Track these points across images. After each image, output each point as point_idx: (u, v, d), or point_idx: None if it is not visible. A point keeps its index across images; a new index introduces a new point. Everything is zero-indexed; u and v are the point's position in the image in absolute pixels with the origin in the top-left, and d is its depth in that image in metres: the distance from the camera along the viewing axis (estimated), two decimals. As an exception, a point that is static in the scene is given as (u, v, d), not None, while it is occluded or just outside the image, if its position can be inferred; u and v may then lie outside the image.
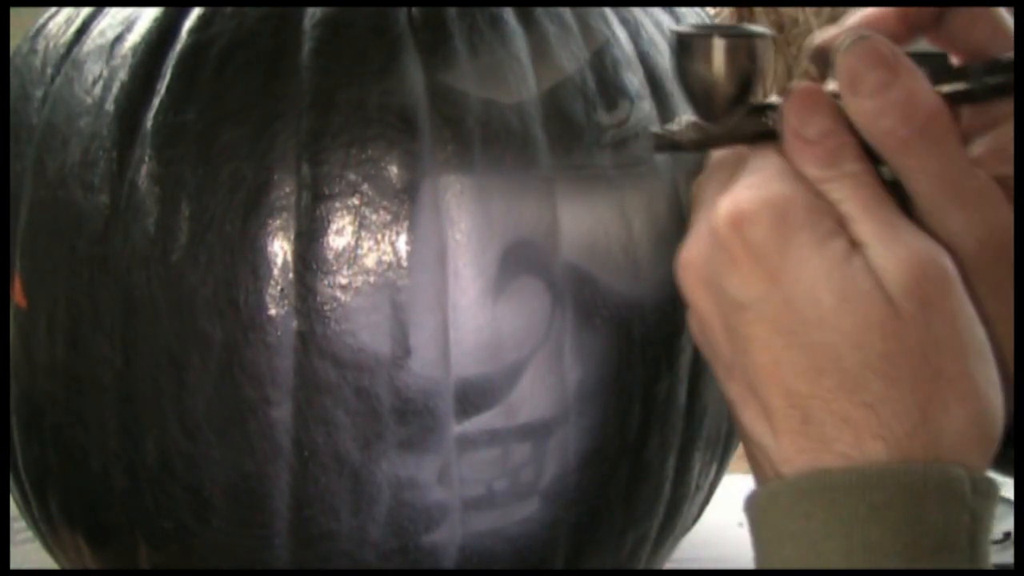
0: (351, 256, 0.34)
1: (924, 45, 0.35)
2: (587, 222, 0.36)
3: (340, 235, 0.34)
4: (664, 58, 0.40)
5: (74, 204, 0.36)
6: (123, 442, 0.37)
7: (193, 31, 0.36)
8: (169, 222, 0.35)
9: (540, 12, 0.38)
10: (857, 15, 0.33)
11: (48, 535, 0.43)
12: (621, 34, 0.39)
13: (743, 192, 0.31)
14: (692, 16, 0.44)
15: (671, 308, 0.39)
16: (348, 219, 0.34)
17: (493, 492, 0.37)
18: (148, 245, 0.35)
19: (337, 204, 0.34)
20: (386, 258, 0.34)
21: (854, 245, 0.30)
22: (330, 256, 0.34)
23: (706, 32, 0.32)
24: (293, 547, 0.37)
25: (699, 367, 0.41)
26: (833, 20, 0.98)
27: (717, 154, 0.34)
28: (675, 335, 0.39)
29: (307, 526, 0.37)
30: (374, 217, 0.34)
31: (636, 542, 0.43)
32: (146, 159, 0.35)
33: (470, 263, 0.35)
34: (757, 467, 0.32)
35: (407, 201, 0.34)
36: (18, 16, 0.55)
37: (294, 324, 0.34)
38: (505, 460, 0.37)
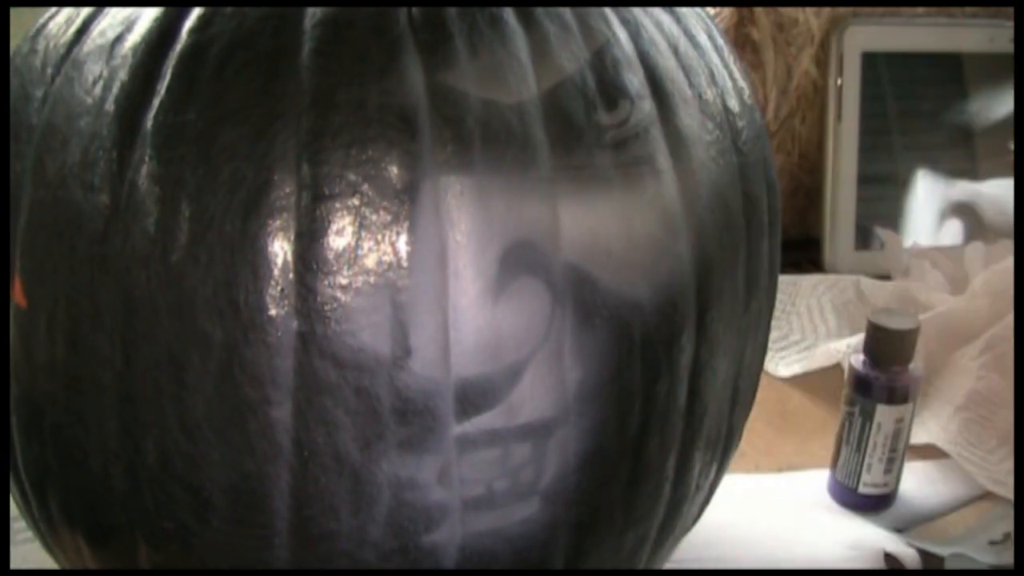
0: (351, 256, 0.34)
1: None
2: (587, 222, 0.36)
3: (340, 235, 0.34)
4: (664, 58, 0.40)
5: (74, 204, 0.36)
6: (123, 442, 0.37)
7: (193, 31, 0.36)
8: (169, 222, 0.35)
9: (540, 12, 0.38)
10: None
11: (48, 535, 0.43)
12: (621, 34, 0.39)
13: None
14: (692, 16, 0.44)
15: (671, 309, 0.39)
16: (348, 219, 0.34)
17: (493, 492, 0.37)
18: (148, 245, 0.35)
19: (337, 204, 0.34)
20: (386, 258, 0.34)
21: None
22: (330, 256, 0.34)
23: None
24: (293, 547, 0.37)
25: (699, 367, 0.41)
26: (833, 20, 0.98)
27: None
28: (675, 335, 0.39)
29: (307, 526, 0.37)
30: (374, 217, 0.34)
31: (636, 542, 0.43)
32: (146, 159, 0.35)
33: (470, 263, 0.35)
34: None
35: (407, 201, 0.34)
36: (18, 16, 0.55)
37: (294, 324, 0.34)
38: (505, 460, 0.37)
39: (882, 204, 0.98)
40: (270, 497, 0.36)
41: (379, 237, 0.34)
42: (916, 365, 0.62)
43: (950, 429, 0.68)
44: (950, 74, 1.00)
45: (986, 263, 0.92)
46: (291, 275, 0.34)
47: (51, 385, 0.38)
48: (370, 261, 0.34)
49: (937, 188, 1.00)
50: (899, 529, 0.62)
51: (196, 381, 0.35)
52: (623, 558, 0.43)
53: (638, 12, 0.41)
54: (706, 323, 0.41)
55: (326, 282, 0.34)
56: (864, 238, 0.97)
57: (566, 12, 0.39)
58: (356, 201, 0.34)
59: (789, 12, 0.95)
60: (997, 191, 1.01)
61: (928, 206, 1.00)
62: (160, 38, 0.37)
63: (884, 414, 0.61)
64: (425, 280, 0.34)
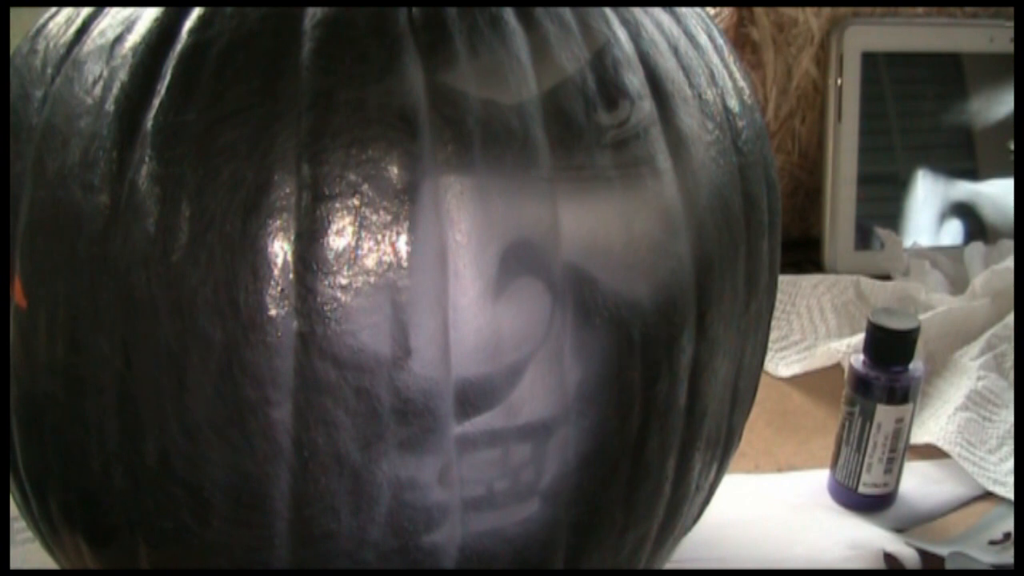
0: (351, 257, 0.34)
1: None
2: (587, 222, 0.36)
3: (340, 236, 0.34)
4: (664, 58, 0.40)
5: (74, 204, 0.36)
6: (123, 442, 0.37)
7: (193, 31, 0.36)
8: (169, 222, 0.35)
9: (540, 12, 0.38)
10: None
11: (48, 535, 0.43)
12: (621, 34, 0.39)
13: None
14: (692, 16, 0.44)
15: (671, 309, 0.39)
16: (348, 219, 0.34)
17: (493, 492, 0.37)
18: (148, 245, 0.35)
19: (337, 204, 0.34)
20: (386, 258, 0.34)
21: None
22: (330, 257, 0.34)
23: None
24: (293, 547, 0.37)
25: (699, 367, 0.41)
26: (833, 20, 0.98)
27: None
28: (675, 336, 0.39)
29: (307, 526, 0.37)
30: (374, 217, 0.34)
31: (636, 542, 0.43)
32: (146, 159, 0.35)
33: (470, 263, 0.35)
34: None
35: (407, 201, 0.34)
36: (18, 16, 0.56)
37: (294, 325, 0.34)
38: (505, 460, 0.37)
39: (882, 204, 0.98)
40: (270, 497, 0.36)
41: (379, 237, 0.34)
42: (916, 365, 0.62)
43: (950, 429, 0.68)
44: (950, 74, 1.00)
45: (986, 263, 0.92)
46: (291, 275, 0.34)
47: (51, 385, 0.38)
48: (370, 261, 0.34)
49: (937, 188, 1.00)
50: (899, 529, 0.62)
51: (196, 381, 0.35)
52: (623, 558, 0.43)
53: (638, 12, 0.41)
54: (706, 323, 0.41)
55: (326, 282, 0.34)
56: (864, 238, 0.97)
57: (566, 12, 0.39)
58: (356, 201, 0.34)
59: (789, 12, 0.95)
60: (997, 191, 1.01)
61: (928, 206, 1.00)
62: (160, 38, 0.37)
63: (884, 414, 0.61)
64: (425, 280, 0.34)
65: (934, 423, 0.70)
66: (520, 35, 0.37)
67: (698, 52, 0.42)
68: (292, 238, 0.34)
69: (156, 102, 0.35)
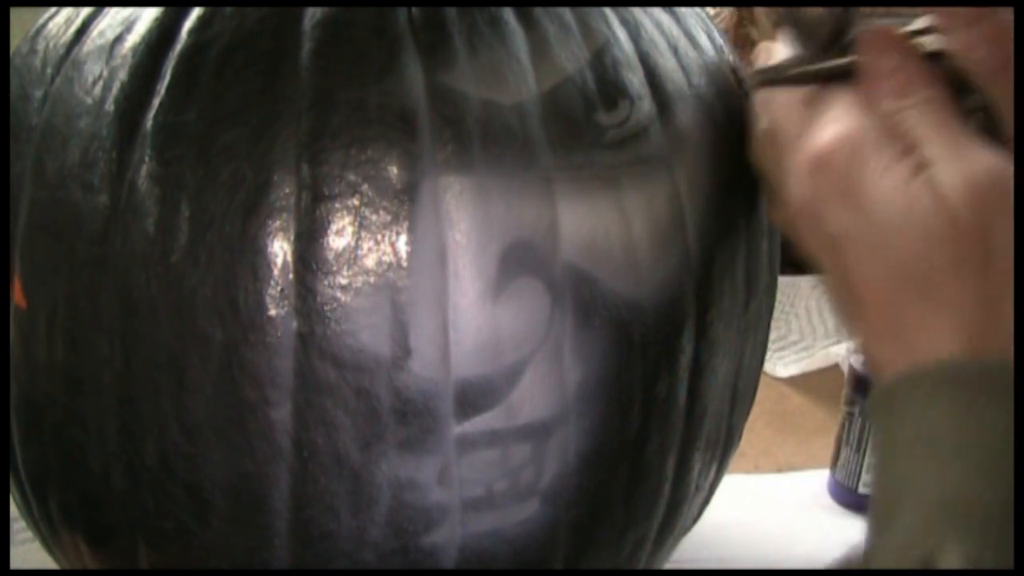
0: (351, 257, 0.34)
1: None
2: (587, 222, 0.36)
3: (340, 236, 0.34)
4: (664, 58, 0.40)
5: (74, 205, 0.36)
6: (123, 442, 0.37)
7: (193, 31, 0.36)
8: (169, 222, 0.35)
9: (540, 12, 0.38)
10: None
11: (48, 535, 0.43)
12: (621, 34, 0.39)
13: (821, 132, 0.35)
14: (692, 16, 0.44)
15: (671, 309, 0.39)
16: (348, 220, 0.34)
17: (493, 493, 0.37)
18: (148, 245, 0.35)
19: (337, 205, 0.34)
20: (386, 259, 0.34)
21: (922, 165, 0.32)
22: (330, 257, 0.34)
23: None
24: (293, 547, 0.37)
25: (699, 367, 0.41)
26: (833, 20, 0.98)
27: (782, 97, 0.37)
28: (675, 335, 0.39)
29: (307, 526, 0.37)
30: (374, 218, 0.34)
31: (636, 542, 0.43)
32: (146, 159, 0.35)
33: (470, 263, 0.35)
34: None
35: (407, 202, 0.34)
36: (18, 16, 0.55)
37: (294, 325, 0.34)
38: (505, 461, 0.37)
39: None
40: (270, 497, 0.36)
41: (379, 237, 0.34)
42: (916, 365, 0.61)
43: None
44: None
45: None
46: (291, 275, 0.34)
47: (51, 385, 0.38)
48: (370, 261, 0.34)
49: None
50: (899, 529, 0.62)
51: (196, 381, 0.35)
52: (623, 558, 0.43)
53: (638, 12, 0.41)
54: (706, 323, 0.41)
55: (326, 282, 0.34)
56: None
57: (566, 12, 0.39)
58: (356, 201, 0.34)
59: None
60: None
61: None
62: (160, 38, 0.37)
63: (884, 414, 0.61)
64: (425, 280, 0.34)
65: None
66: (520, 35, 0.37)
67: (698, 52, 0.42)
68: (292, 238, 0.34)
69: (156, 102, 0.35)
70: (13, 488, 0.44)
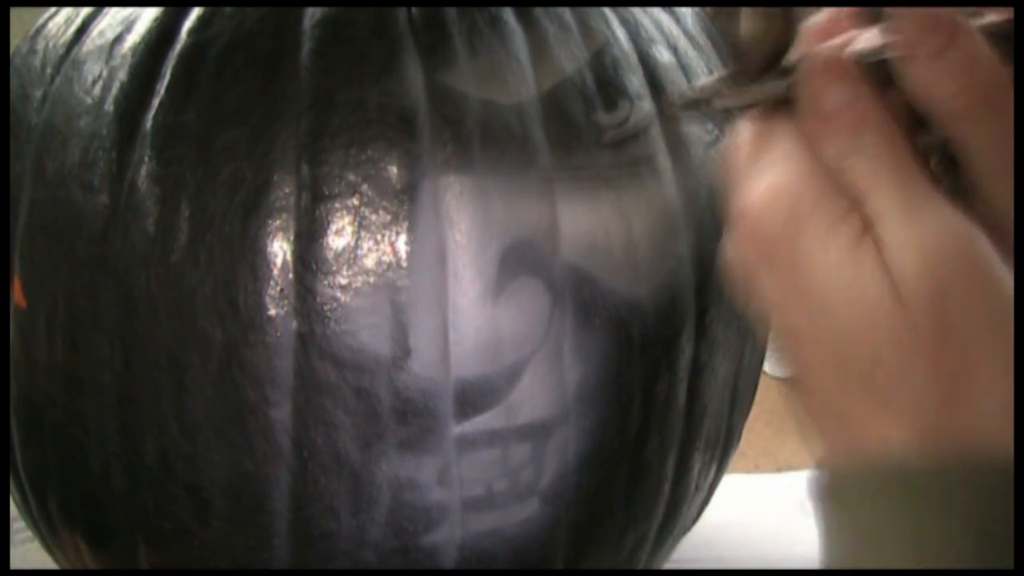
0: (351, 257, 0.34)
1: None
2: (587, 222, 0.36)
3: (340, 236, 0.34)
4: (664, 58, 0.40)
5: (74, 204, 0.36)
6: (123, 442, 0.37)
7: (193, 31, 0.36)
8: (169, 222, 0.35)
9: (540, 12, 0.38)
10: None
11: (48, 535, 0.43)
12: (621, 34, 0.39)
13: (755, 186, 0.30)
14: (692, 16, 0.44)
15: (671, 309, 0.39)
16: (348, 219, 0.34)
17: (493, 492, 0.37)
18: (148, 245, 0.35)
19: (337, 204, 0.34)
20: (386, 258, 0.34)
21: (869, 225, 0.28)
22: (330, 256, 0.34)
23: None
24: (293, 547, 0.37)
25: (699, 367, 0.41)
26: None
27: (743, 131, 0.32)
28: (675, 336, 0.39)
29: (307, 526, 0.37)
30: (374, 217, 0.34)
31: (636, 542, 0.43)
32: (146, 159, 0.35)
33: (470, 263, 0.35)
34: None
35: (407, 201, 0.34)
36: (18, 16, 0.55)
37: (294, 325, 0.34)
38: (505, 460, 0.37)
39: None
40: (270, 497, 0.36)
41: (379, 237, 0.34)
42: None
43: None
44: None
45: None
46: (291, 275, 0.34)
47: (51, 385, 0.38)
48: (370, 261, 0.34)
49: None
50: (899, 529, 0.62)
51: (196, 381, 0.35)
52: (623, 558, 0.43)
53: (637, 12, 0.41)
54: (706, 323, 0.41)
55: (325, 282, 0.34)
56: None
57: (566, 12, 0.39)
58: (356, 201, 0.34)
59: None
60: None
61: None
62: (160, 38, 0.37)
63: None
64: (425, 280, 0.34)
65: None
66: (520, 35, 0.37)
67: (698, 52, 0.42)
68: (292, 238, 0.34)
69: (156, 102, 0.35)
70: (13, 488, 0.44)
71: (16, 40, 0.44)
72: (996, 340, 0.27)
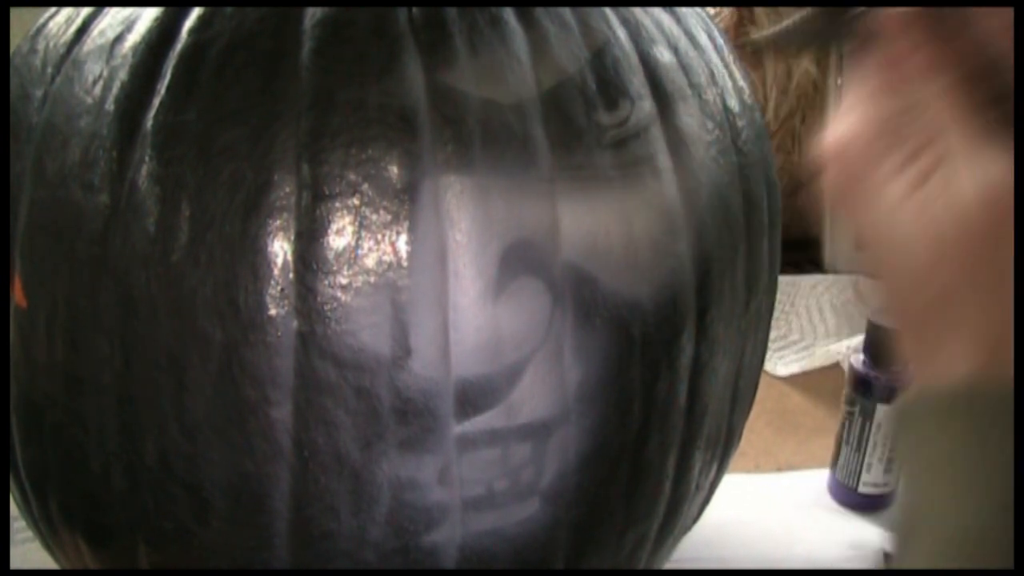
0: (351, 256, 0.34)
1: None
2: (587, 222, 0.36)
3: (340, 235, 0.34)
4: (664, 58, 0.40)
5: (74, 204, 0.36)
6: (123, 442, 0.37)
7: (193, 31, 0.36)
8: (169, 222, 0.35)
9: (540, 12, 0.38)
10: None
11: (48, 535, 0.43)
12: (621, 34, 0.39)
13: (842, 120, 0.32)
14: (692, 16, 0.44)
15: (671, 308, 0.39)
16: (348, 219, 0.34)
17: (493, 492, 0.37)
18: (148, 245, 0.35)
19: (337, 204, 0.34)
20: (386, 258, 0.34)
21: (938, 163, 0.30)
22: (330, 256, 0.34)
23: None
24: (293, 547, 0.37)
25: (699, 367, 0.41)
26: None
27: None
28: (675, 335, 0.39)
29: (307, 526, 0.37)
30: (374, 217, 0.34)
31: (636, 542, 0.43)
32: (146, 159, 0.35)
33: (470, 263, 0.35)
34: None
35: (407, 201, 0.34)
36: (18, 16, 0.55)
37: (294, 324, 0.34)
38: (505, 460, 0.37)
39: (882, 204, 0.98)
40: (270, 497, 0.36)
41: (379, 237, 0.34)
42: (916, 365, 0.61)
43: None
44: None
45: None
46: (291, 275, 0.34)
47: (51, 385, 0.38)
48: (370, 261, 0.34)
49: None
50: (899, 529, 0.62)
51: (196, 381, 0.35)
52: (623, 558, 0.43)
53: (638, 12, 0.41)
54: (706, 323, 0.41)
55: (326, 282, 0.34)
56: (864, 238, 0.96)
57: (566, 12, 0.39)
58: (356, 201, 0.34)
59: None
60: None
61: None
62: (160, 38, 0.37)
63: (884, 414, 0.61)
64: (425, 280, 0.34)
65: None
66: (520, 35, 0.37)
67: (698, 52, 0.42)
68: (292, 238, 0.34)
69: (156, 102, 0.35)
70: (13, 488, 0.44)
71: (16, 40, 0.44)
72: None
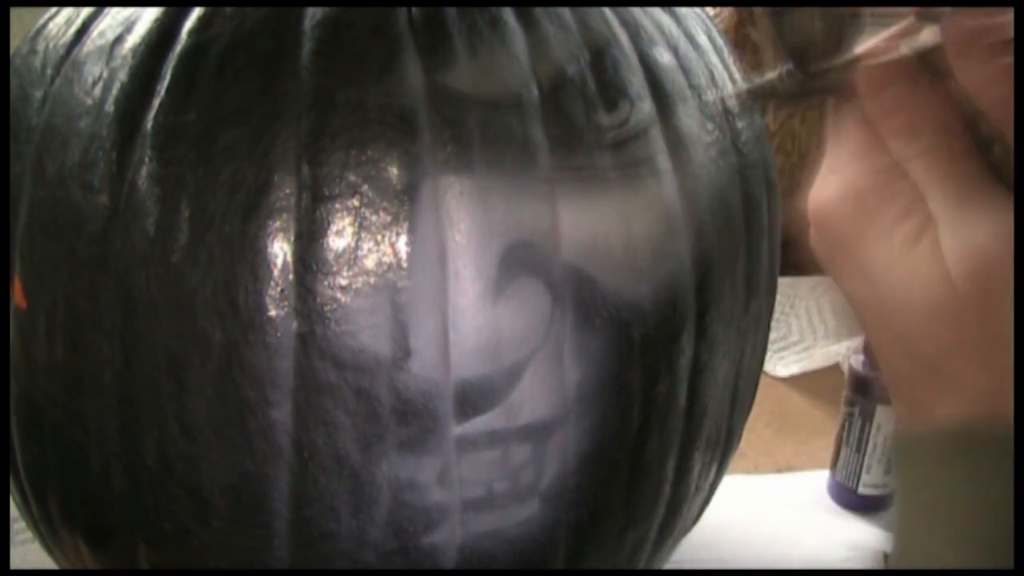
0: (351, 257, 0.34)
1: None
2: (587, 223, 0.36)
3: (340, 236, 0.34)
4: (664, 59, 0.40)
5: (74, 205, 0.36)
6: (123, 442, 0.37)
7: (193, 32, 0.36)
8: (169, 223, 0.35)
9: (540, 12, 0.38)
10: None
11: (48, 535, 0.43)
12: (621, 35, 0.39)
13: (824, 184, 0.32)
14: (692, 16, 0.44)
15: (671, 309, 0.39)
16: (348, 220, 0.34)
17: (493, 493, 0.37)
18: (148, 246, 0.35)
19: (337, 205, 0.34)
20: (386, 259, 0.34)
21: (926, 225, 0.30)
22: (330, 257, 0.34)
23: None
24: (293, 548, 0.37)
25: (699, 368, 0.41)
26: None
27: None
28: (675, 336, 0.39)
29: (307, 527, 0.37)
30: (374, 218, 0.34)
31: (636, 543, 0.43)
32: (146, 160, 0.35)
33: (470, 264, 0.35)
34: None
35: (407, 202, 0.34)
36: (18, 16, 0.55)
37: (294, 325, 0.34)
38: (505, 461, 0.37)
39: (882, 205, 0.98)
40: (270, 498, 0.36)
41: (379, 238, 0.34)
42: (916, 366, 0.61)
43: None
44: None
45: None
46: (291, 276, 0.34)
47: (51, 385, 0.38)
48: (370, 262, 0.34)
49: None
50: (899, 530, 0.62)
51: (196, 382, 0.35)
52: (623, 558, 0.43)
53: (638, 13, 0.41)
54: (706, 323, 0.41)
55: (326, 283, 0.34)
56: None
57: (566, 12, 0.39)
58: (356, 202, 0.34)
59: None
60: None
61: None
62: (160, 39, 0.37)
63: (884, 415, 0.61)
64: (425, 281, 0.34)
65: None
66: (520, 35, 0.37)
67: (698, 52, 0.42)
68: (292, 239, 0.34)
69: (156, 102, 0.35)
70: (13, 488, 0.44)
71: (16, 40, 0.44)
72: None
